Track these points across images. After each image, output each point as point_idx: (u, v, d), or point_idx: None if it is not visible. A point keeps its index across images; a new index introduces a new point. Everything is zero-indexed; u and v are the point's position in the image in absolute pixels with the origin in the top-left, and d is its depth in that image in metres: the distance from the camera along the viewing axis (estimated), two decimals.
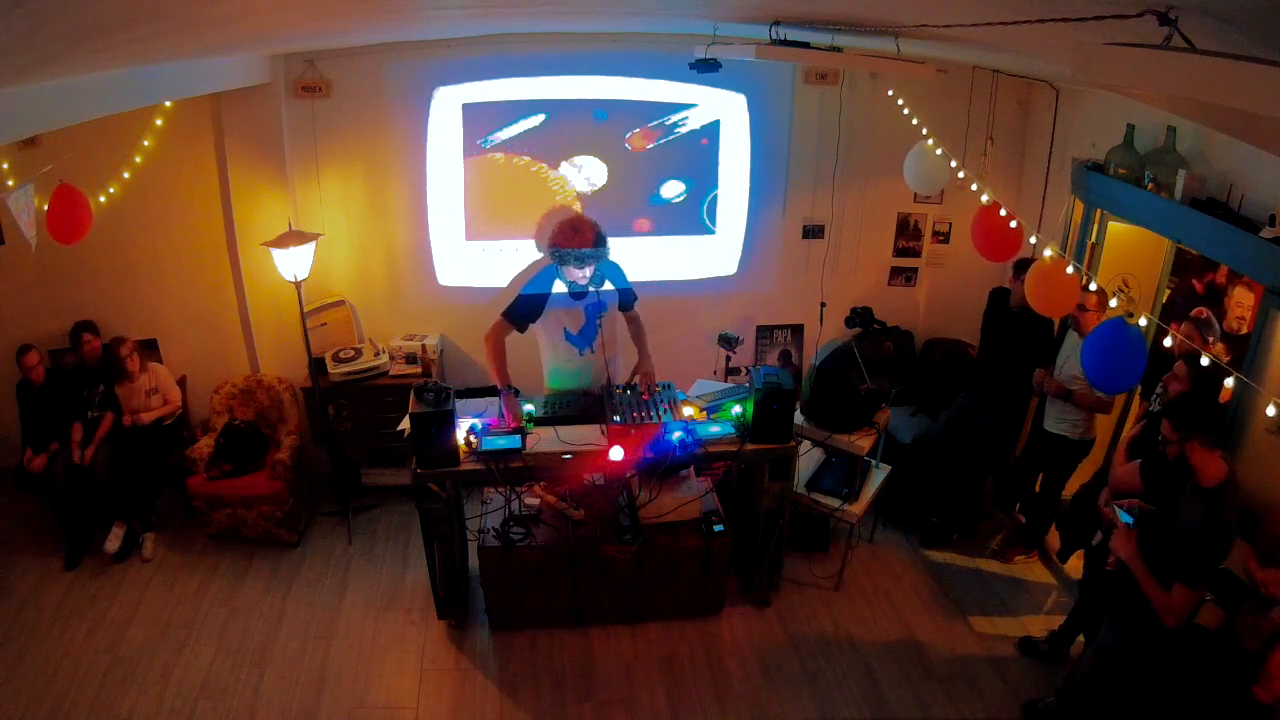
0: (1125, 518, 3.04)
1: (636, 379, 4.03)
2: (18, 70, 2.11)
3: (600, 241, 3.69)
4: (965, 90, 4.80)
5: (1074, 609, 3.94)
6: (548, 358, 4.14)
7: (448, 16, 3.45)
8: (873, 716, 3.72)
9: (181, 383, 5.12)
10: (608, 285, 3.87)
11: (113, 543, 4.52)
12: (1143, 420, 3.74)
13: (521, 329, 3.89)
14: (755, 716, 3.71)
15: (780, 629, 4.20)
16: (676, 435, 3.74)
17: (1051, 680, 3.83)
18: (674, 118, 5.14)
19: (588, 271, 3.73)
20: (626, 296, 4.02)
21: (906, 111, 4.49)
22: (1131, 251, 4.33)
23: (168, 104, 4.43)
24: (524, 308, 3.85)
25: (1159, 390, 3.67)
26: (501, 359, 3.87)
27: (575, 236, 3.65)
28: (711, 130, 5.22)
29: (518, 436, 3.73)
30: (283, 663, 3.92)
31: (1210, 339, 3.67)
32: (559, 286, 3.85)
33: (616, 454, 3.68)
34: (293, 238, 4.33)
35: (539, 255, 4.10)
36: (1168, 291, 4.17)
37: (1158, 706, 2.98)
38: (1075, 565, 4.32)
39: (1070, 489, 4.41)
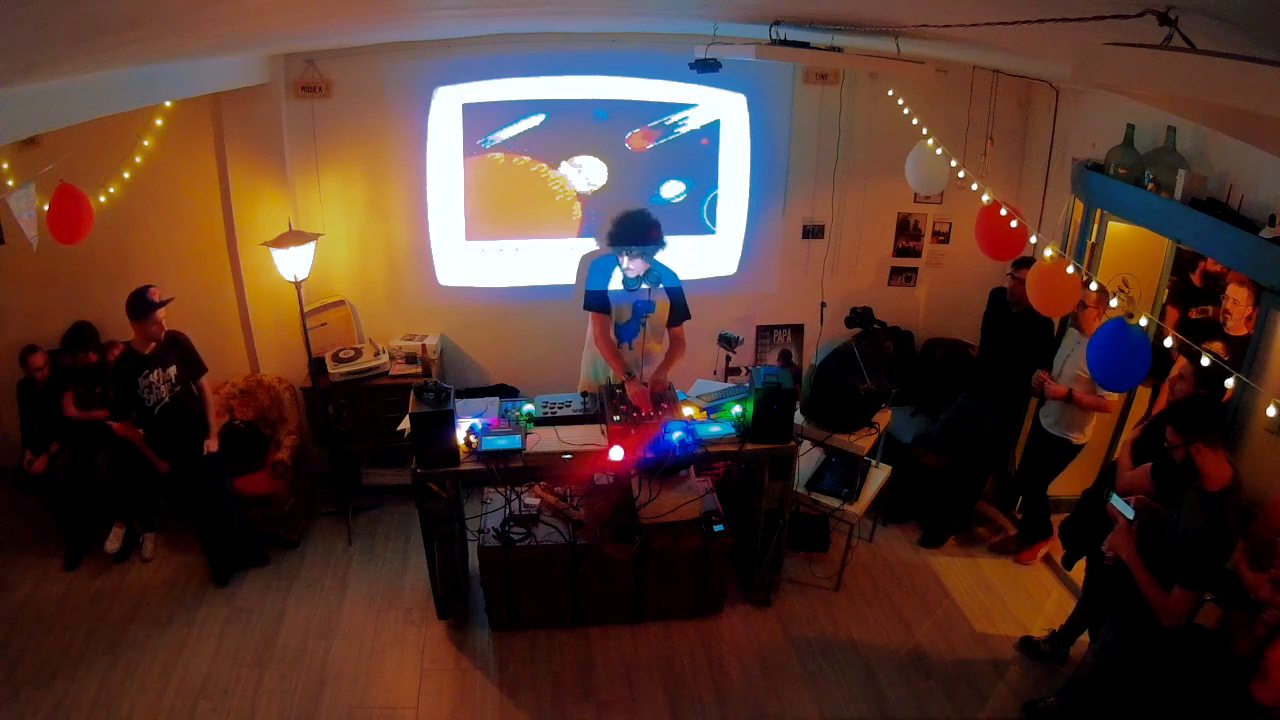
0: (1127, 511, 3.04)
1: (634, 387, 3.97)
2: (18, 70, 2.11)
3: (653, 229, 3.90)
4: (965, 90, 4.80)
5: (1076, 609, 3.94)
6: (592, 349, 4.25)
7: (448, 16, 3.45)
8: (873, 716, 3.72)
9: None
10: (661, 291, 4.07)
11: (113, 542, 4.53)
12: (1143, 422, 3.74)
13: (609, 312, 4.10)
14: (755, 716, 3.71)
15: (780, 629, 4.20)
16: (676, 435, 3.74)
17: (1052, 680, 3.83)
18: (674, 118, 5.14)
19: (639, 265, 3.93)
20: (678, 309, 4.16)
21: (906, 111, 4.49)
22: (1131, 251, 4.33)
23: (168, 104, 4.43)
24: (596, 295, 4.09)
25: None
26: (614, 351, 4.10)
27: (632, 226, 3.90)
28: (711, 130, 5.22)
29: (518, 436, 3.73)
30: (283, 663, 3.92)
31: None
32: (616, 279, 4.06)
33: (616, 454, 3.68)
34: (293, 238, 4.33)
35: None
36: (1167, 291, 4.18)
37: (1159, 706, 2.98)
38: (1080, 569, 4.31)
39: (1073, 492, 4.41)
